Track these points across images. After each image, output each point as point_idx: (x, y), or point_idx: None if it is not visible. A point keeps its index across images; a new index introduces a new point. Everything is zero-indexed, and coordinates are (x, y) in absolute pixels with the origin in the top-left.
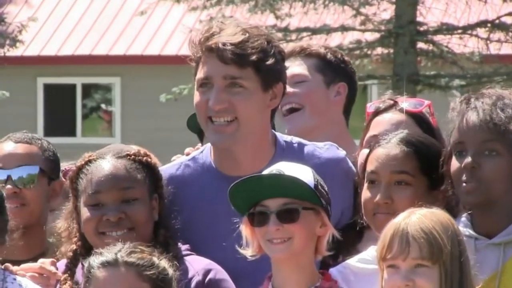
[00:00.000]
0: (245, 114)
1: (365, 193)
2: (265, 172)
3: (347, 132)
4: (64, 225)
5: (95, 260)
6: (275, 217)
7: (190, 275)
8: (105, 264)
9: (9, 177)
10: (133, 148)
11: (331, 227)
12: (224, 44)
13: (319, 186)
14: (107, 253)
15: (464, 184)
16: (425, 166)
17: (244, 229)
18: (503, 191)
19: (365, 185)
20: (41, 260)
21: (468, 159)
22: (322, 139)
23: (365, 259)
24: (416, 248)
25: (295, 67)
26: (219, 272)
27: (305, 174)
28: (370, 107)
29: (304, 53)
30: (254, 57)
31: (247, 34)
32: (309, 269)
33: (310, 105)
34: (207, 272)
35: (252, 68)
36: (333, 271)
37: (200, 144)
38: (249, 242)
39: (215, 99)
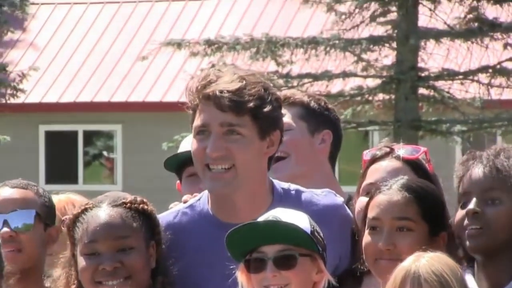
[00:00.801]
0: (242, 161)
1: (367, 239)
2: (261, 218)
3: (334, 179)
4: (62, 273)
5: None
6: (272, 264)
7: None
8: None
9: (5, 222)
10: (129, 196)
11: (327, 273)
12: (221, 92)
13: (315, 233)
14: None
15: (467, 230)
16: (425, 211)
17: (240, 276)
18: (507, 239)
19: (366, 231)
20: None
21: (471, 206)
22: (309, 187)
23: None
24: None
25: None
26: None
27: (301, 220)
28: (366, 155)
29: (287, 102)
30: (251, 104)
31: (244, 82)
32: None
33: (295, 153)
34: None
35: (249, 116)
36: None
37: (194, 194)
38: None
39: (213, 147)
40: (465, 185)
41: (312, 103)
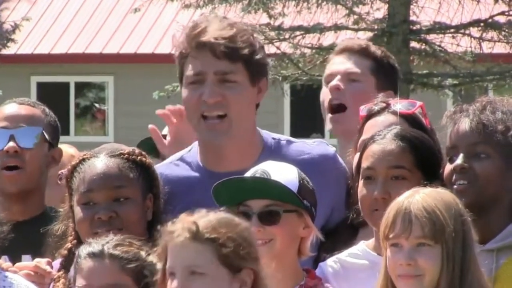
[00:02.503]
0: (237, 110)
1: (362, 190)
2: (250, 172)
3: None
4: (61, 227)
5: (83, 250)
6: (256, 218)
7: None
8: (91, 255)
9: (11, 136)
10: (128, 148)
11: (314, 228)
12: (216, 39)
13: (304, 187)
14: (95, 244)
15: (455, 185)
16: (420, 160)
17: None
18: (495, 194)
19: (361, 182)
20: (36, 260)
21: (458, 161)
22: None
23: (355, 253)
24: (418, 227)
25: (351, 64)
26: None
27: (289, 174)
28: (363, 111)
29: (363, 53)
30: (245, 51)
31: (235, 29)
32: (293, 268)
33: (355, 106)
34: None
35: (242, 63)
36: (322, 265)
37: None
38: None
39: (210, 92)
40: (452, 139)
41: (385, 60)
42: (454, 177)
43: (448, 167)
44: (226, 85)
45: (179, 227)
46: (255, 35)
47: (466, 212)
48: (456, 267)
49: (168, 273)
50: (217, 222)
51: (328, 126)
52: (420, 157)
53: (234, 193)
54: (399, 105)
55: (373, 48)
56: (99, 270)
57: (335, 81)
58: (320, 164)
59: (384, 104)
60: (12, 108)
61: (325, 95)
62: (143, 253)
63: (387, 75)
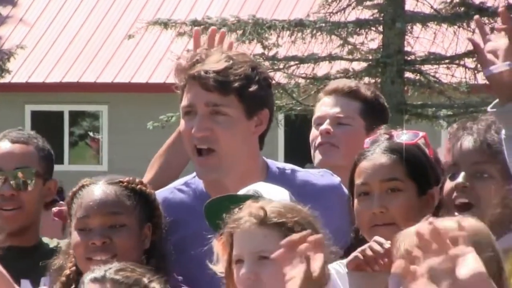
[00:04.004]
0: (226, 145)
1: (358, 207)
2: (243, 191)
3: None
4: (59, 262)
5: (87, 276)
6: None
7: None
8: (93, 280)
9: (6, 180)
10: (128, 177)
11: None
12: (206, 72)
13: None
14: (98, 270)
15: (455, 202)
16: (412, 170)
17: (216, 245)
18: (495, 215)
19: (356, 200)
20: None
21: (460, 179)
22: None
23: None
24: None
25: (339, 108)
26: None
27: (281, 195)
28: (367, 143)
29: (352, 95)
30: (236, 84)
31: (231, 61)
32: None
33: (346, 147)
34: None
35: (235, 95)
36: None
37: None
38: (220, 259)
39: (198, 126)
40: (454, 155)
41: (375, 101)
42: (454, 194)
43: (448, 184)
44: (217, 118)
45: (246, 213)
46: (257, 67)
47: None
48: None
49: (234, 261)
50: (283, 207)
51: (316, 159)
52: (412, 166)
53: (224, 211)
54: (404, 136)
55: (363, 89)
56: None
57: (324, 125)
58: (325, 195)
59: (387, 136)
60: (4, 146)
61: (314, 137)
62: (145, 279)
63: (377, 116)
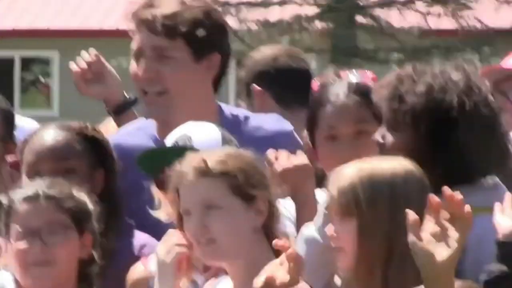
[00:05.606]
0: (175, 85)
1: (325, 150)
2: (174, 137)
3: None
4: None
5: (16, 195)
6: None
7: (127, 250)
8: (27, 198)
9: None
10: (81, 123)
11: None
12: (153, 16)
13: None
14: (28, 188)
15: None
16: (377, 111)
17: (156, 192)
18: None
19: (321, 145)
20: None
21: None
22: None
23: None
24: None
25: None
26: (154, 248)
27: (212, 134)
28: (317, 86)
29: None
30: (183, 29)
31: (183, 6)
32: None
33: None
34: (142, 247)
35: (182, 39)
36: None
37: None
38: (162, 205)
39: (143, 68)
40: None
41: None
42: None
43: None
44: (163, 62)
45: (187, 166)
46: (210, 11)
47: None
48: None
49: (183, 214)
50: (225, 155)
51: None
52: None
53: (156, 162)
54: (353, 76)
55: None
56: (37, 211)
57: None
58: (277, 141)
59: (337, 77)
60: None
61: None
62: (75, 192)
63: None
